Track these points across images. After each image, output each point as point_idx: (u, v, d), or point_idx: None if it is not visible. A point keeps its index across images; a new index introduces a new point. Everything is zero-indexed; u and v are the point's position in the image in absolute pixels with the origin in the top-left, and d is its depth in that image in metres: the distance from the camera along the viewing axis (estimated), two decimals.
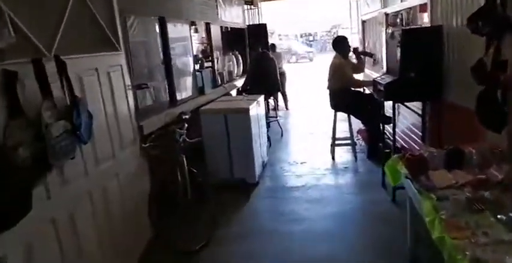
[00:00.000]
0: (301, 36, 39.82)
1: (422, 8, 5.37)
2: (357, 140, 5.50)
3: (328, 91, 5.05)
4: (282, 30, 30.77)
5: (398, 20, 5.56)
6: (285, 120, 7.57)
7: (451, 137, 3.25)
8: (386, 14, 5.35)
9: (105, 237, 2.47)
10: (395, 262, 2.73)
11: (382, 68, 5.64)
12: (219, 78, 5.49)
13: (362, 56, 5.24)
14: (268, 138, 5.50)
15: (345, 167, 4.77)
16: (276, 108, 7.34)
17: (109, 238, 2.51)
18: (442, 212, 1.80)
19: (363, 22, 7.31)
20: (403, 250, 2.73)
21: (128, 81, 2.90)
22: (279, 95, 7.84)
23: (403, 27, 3.51)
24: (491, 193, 1.97)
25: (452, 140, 3.15)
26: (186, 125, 3.38)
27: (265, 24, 7.64)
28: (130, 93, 2.93)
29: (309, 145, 5.89)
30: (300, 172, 4.73)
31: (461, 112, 3.06)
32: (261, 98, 4.87)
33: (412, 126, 4.20)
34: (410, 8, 5.30)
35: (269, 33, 7.95)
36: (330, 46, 6.00)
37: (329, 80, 5.01)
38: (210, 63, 5.28)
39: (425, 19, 5.50)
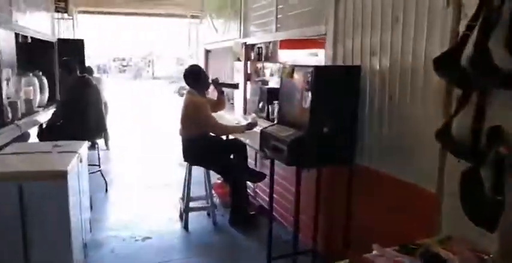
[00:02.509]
0: (114, 61, 36.96)
1: (284, 44, 4.79)
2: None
3: (180, 139, 3.79)
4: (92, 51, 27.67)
5: (253, 54, 4.86)
6: (107, 166, 5.71)
7: (367, 211, 2.44)
8: (247, 45, 4.51)
9: None
10: None
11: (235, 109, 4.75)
12: (8, 110, 3.48)
13: (224, 89, 4.09)
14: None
15: (205, 244, 3.50)
16: (97, 150, 5.25)
17: None
18: None
19: (207, 52, 6.39)
20: None
21: None
22: None
23: (317, 65, 2.61)
24: None
25: (369, 215, 2.37)
26: None
27: (82, 41, 5.84)
28: None
29: (148, 205, 4.38)
30: (144, 258, 3.22)
31: (384, 180, 2.28)
32: (84, 148, 3.16)
33: (290, 186, 3.27)
34: (270, 42, 4.65)
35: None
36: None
37: (182, 124, 3.75)
38: None
39: (282, 57, 4.95)
